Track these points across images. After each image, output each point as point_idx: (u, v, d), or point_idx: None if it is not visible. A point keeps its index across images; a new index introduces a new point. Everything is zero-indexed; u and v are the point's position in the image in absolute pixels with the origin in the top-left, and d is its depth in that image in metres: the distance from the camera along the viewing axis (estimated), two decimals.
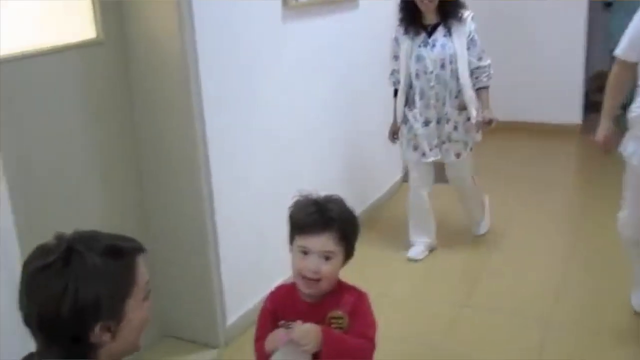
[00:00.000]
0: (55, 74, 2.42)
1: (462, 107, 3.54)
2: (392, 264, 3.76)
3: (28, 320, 1.19)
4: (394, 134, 3.77)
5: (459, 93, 3.51)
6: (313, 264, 1.67)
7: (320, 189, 1.81)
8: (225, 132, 2.89)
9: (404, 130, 3.68)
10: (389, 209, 4.52)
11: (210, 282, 2.92)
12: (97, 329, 1.17)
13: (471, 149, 3.69)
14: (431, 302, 3.40)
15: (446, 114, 3.53)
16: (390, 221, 4.30)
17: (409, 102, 3.61)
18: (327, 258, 1.68)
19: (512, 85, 5.98)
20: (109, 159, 2.71)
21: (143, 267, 1.27)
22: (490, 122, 3.54)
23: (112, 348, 1.22)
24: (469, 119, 3.54)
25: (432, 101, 3.52)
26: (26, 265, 1.21)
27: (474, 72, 3.52)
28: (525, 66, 6.13)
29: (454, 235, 4.08)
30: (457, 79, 3.48)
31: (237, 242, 3.05)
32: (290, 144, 3.44)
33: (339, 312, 1.70)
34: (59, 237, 1.22)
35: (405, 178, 4.51)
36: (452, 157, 3.64)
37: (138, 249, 1.28)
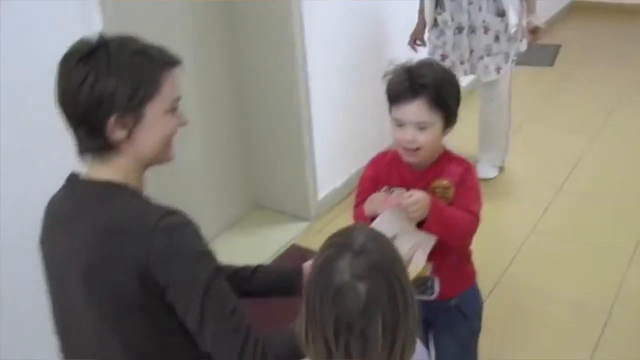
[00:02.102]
0: None
1: (503, 13, 2.98)
2: None
3: (58, 104, 1.23)
4: (415, 39, 3.22)
5: None
6: (408, 134, 1.54)
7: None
8: (320, 11, 2.83)
9: (432, 35, 3.16)
10: None
11: (304, 157, 2.96)
12: (111, 120, 1.18)
13: (513, 62, 3.14)
14: (526, 184, 3.37)
15: (483, 21, 2.99)
16: None
17: (438, 3, 3.08)
18: (422, 128, 1.53)
19: None
20: (206, 42, 2.71)
21: (174, 81, 1.25)
22: (535, 30, 3.04)
23: (134, 149, 1.23)
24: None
25: (465, 3, 2.99)
26: (66, 52, 1.23)
27: None
28: None
29: (553, 126, 3.96)
30: None
31: (330, 119, 3.06)
32: (378, 20, 3.35)
33: (445, 182, 1.58)
34: (102, 35, 1.22)
35: None
36: (493, 74, 3.10)
37: (171, 61, 1.25)
